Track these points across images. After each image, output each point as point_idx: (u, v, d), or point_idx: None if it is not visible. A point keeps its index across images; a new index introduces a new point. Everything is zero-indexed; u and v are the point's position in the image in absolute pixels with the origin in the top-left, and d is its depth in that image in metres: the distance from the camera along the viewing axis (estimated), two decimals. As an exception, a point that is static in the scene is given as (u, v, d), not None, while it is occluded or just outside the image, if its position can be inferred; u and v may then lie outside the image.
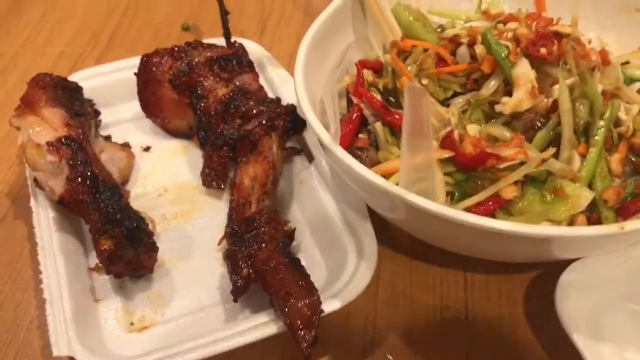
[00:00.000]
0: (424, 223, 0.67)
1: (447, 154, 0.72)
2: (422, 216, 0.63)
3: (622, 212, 0.71)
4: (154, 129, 0.91)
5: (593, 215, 0.72)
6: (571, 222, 0.71)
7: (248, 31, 1.11)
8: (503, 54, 0.76)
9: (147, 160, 0.88)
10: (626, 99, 0.79)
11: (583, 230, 0.60)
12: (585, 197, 0.70)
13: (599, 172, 0.73)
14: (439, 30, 0.91)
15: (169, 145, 0.90)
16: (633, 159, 0.76)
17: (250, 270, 0.69)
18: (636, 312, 0.69)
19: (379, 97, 0.81)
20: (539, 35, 0.76)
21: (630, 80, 0.82)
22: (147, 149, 0.90)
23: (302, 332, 0.62)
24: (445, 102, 0.81)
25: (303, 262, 0.71)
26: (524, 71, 0.75)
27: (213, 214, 0.81)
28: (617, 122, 0.77)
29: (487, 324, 0.74)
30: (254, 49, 0.95)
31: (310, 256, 0.76)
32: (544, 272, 0.77)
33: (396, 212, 0.69)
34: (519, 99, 0.74)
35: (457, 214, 0.60)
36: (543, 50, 0.75)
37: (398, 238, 0.80)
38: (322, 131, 0.67)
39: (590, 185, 0.73)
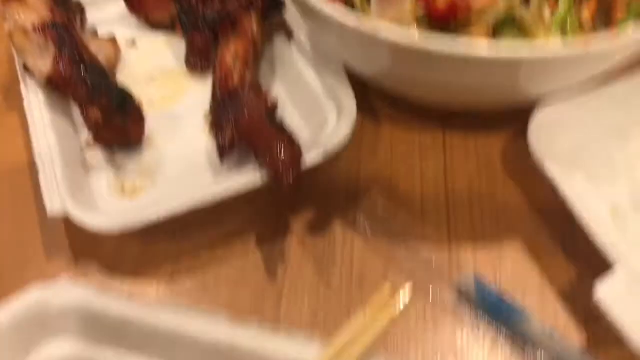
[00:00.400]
0: (397, 61, 0.69)
1: (421, 9, 0.74)
2: (392, 52, 0.65)
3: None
4: (139, 24, 0.93)
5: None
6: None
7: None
8: None
9: (134, 53, 0.90)
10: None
11: (546, 50, 0.62)
12: (554, 42, 0.71)
13: (570, 24, 0.75)
14: None
15: (154, 38, 0.92)
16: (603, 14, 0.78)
17: (235, 132, 0.72)
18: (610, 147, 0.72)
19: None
20: None
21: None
22: (133, 42, 0.92)
23: (283, 174, 0.65)
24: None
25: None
26: None
27: (200, 96, 0.83)
28: (589, -20, 0.79)
29: (466, 177, 0.76)
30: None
31: (293, 124, 0.78)
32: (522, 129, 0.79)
33: (368, 57, 0.71)
34: (490, -42, 0.75)
35: (422, 41, 0.62)
36: None
37: (378, 107, 0.83)
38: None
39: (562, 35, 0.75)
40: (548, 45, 0.68)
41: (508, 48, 0.63)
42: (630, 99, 0.73)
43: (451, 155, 0.78)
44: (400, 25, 0.67)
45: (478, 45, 0.63)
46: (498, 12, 0.70)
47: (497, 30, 0.73)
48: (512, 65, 0.62)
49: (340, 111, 0.74)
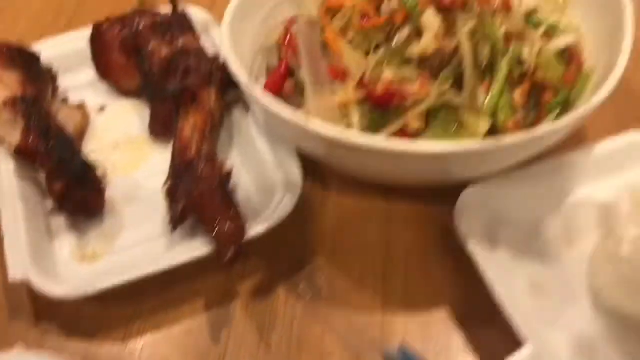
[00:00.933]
0: (329, 150, 0.75)
1: (360, 93, 0.80)
2: (326, 144, 0.72)
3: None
4: (109, 90, 1.00)
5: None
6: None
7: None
8: (413, 5, 0.84)
9: (102, 119, 0.97)
10: (530, 40, 0.87)
11: (460, 145, 0.68)
12: (483, 125, 0.78)
13: (502, 105, 0.81)
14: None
15: (123, 104, 0.98)
16: (536, 94, 0.85)
17: (186, 205, 0.78)
18: (526, 229, 0.78)
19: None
20: (444, -14, 0.84)
21: (536, 23, 0.90)
22: (102, 109, 0.98)
23: (225, 249, 0.71)
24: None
25: (239, 199, 0.80)
26: (430, 19, 0.83)
27: (161, 162, 0.88)
28: (522, 63, 0.86)
29: (404, 247, 0.82)
30: (199, 14, 1.03)
31: (245, 194, 0.84)
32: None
33: (305, 144, 0.78)
34: (425, 43, 0.82)
35: (350, 136, 0.68)
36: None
37: (327, 177, 0.89)
38: (241, 73, 0.76)
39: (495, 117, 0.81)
40: (455, 143, 0.73)
41: (422, 144, 0.68)
42: (552, 179, 0.79)
43: (392, 226, 0.84)
44: (332, 116, 0.73)
45: (396, 141, 0.68)
46: (430, 101, 0.76)
47: (432, 114, 0.79)
48: (426, 158, 0.69)
49: (287, 184, 0.80)
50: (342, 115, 0.81)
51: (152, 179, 0.87)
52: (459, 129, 0.78)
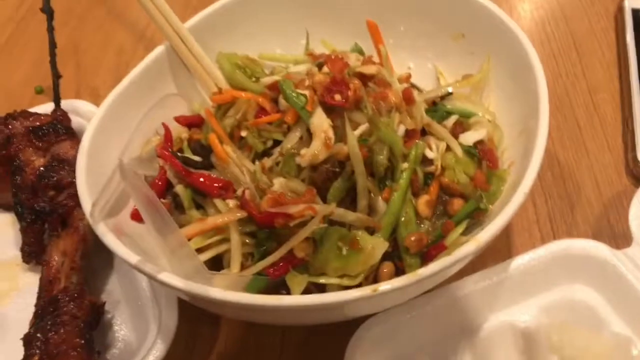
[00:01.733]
0: (194, 300, 0.64)
1: (240, 214, 0.70)
2: (183, 294, 0.61)
3: (427, 257, 0.69)
4: (-14, 202, 0.90)
5: (401, 262, 0.70)
6: (376, 274, 0.69)
7: (102, 87, 1.09)
8: (301, 104, 0.74)
9: (-24, 236, 0.86)
10: (436, 135, 0.77)
11: (326, 297, 0.57)
12: (379, 247, 0.67)
13: (404, 218, 0.71)
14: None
15: (0, 220, 0.88)
16: (445, 198, 0.75)
17: (43, 356, 0.67)
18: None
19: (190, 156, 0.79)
20: (333, 81, 0.74)
21: (446, 114, 0.80)
22: (-24, 226, 0.88)
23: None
24: (269, 152, 0.79)
25: (114, 334, 0.73)
26: (319, 121, 0.73)
27: (32, 293, 0.78)
28: (428, 162, 0.75)
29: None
30: (88, 112, 0.93)
31: (120, 327, 0.74)
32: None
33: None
34: (314, 151, 0.71)
35: (206, 290, 0.58)
36: (338, 97, 0.73)
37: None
38: (86, 206, 0.65)
39: (395, 231, 0.71)
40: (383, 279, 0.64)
41: (283, 298, 0.58)
42: (461, 304, 0.69)
43: (287, 356, 0.74)
44: (187, 263, 0.62)
45: (256, 297, 0.58)
46: (316, 223, 0.66)
47: (321, 233, 0.68)
48: (295, 311, 0.58)
49: (160, 324, 0.70)
50: (219, 240, 0.71)
51: (21, 314, 0.77)
52: (351, 253, 0.67)
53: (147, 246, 0.68)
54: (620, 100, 0.97)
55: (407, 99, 0.76)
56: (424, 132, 0.77)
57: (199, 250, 0.69)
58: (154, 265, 0.60)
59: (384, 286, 0.56)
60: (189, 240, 0.70)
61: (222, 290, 0.58)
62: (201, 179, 0.74)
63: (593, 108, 0.97)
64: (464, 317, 0.69)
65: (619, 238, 0.81)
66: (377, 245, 0.67)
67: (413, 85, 0.86)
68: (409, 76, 0.84)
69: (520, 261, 0.71)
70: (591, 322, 0.68)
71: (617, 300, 0.69)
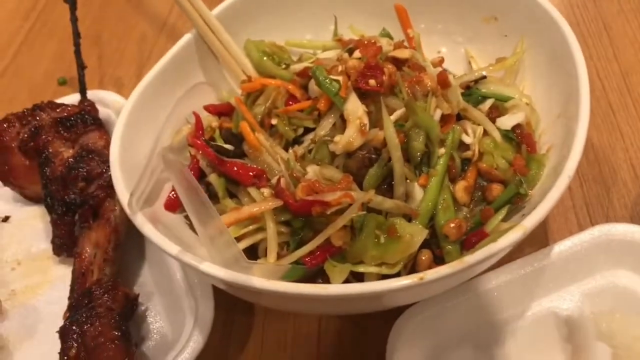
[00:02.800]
0: (233, 289, 0.64)
1: (275, 203, 0.69)
2: (224, 284, 0.60)
3: (466, 245, 0.68)
4: (14, 196, 0.89)
5: (439, 249, 0.69)
6: (414, 262, 0.68)
7: (125, 77, 1.08)
8: (334, 90, 0.73)
9: (6, 231, 0.86)
10: (473, 120, 0.76)
11: (372, 285, 0.56)
12: (418, 235, 0.66)
13: (442, 204, 0.70)
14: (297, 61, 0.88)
15: (29, 212, 0.88)
16: (483, 183, 0.73)
17: (81, 349, 0.67)
18: (477, 348, 0.66)
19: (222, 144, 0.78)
20: (367, 67, 0.73)
21: (481, 99, 0.79)
22: (5, 219, 0.87)
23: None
24: (299, 140, 0.77)
25: (149, 326, 0.72)
26: (353, 107, 0.72)
27: (64, 285, 0.78)
28: (465, 147, 0.74)
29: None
30: (113, 102, 0.92)
31: (155, 319, 0.74)
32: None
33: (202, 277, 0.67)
34: (349, 138, 0.70)
35: (249, 279, 0.57)
36: (372, 82, 0.72)
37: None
38: (123, 197, 0.64)
39: (433, 218, 0.70)
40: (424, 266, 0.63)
41: (328, 287, 0.56)
42: (503, 292, 0.68)
43: (325, 344, 0.73)
44: (227, 252, 0.61)
45: (296, 286, 0.57)
46: (353, 211, 0.64)
47: (359, 221, 0.67)
48: (335, 300, 0.57)
49: (196, 316, 0.69)
50: (254, 229, 0.70)
51: (54, 307, 0.77)
52: (389, 241, 0.66)
53: (182, 235, 0.68)
54: (654, 82, 0.95)
55: (443, 82, 0.74)
56: (459, 117, 0.76)
57: (235, 240, 0.68)
58: (193, 255, 0.59)
59: (431, 274, 0.55)
60: (226, 229, 0.69)
61: (265, 279, 0.56)
62: (235, 168, 0.73)
63: (627, 90, 0.95)
64: (505, 305, 0.68)
65: (659, 222, 0.79)
66: (415, 233, 0.66)
67: (445, 70, 0.84)
68: (441, 60, 0.83)
69: (561, 247, 0.69)
70: (637, 307, 0.67)
71: (662, 286, 0.67)
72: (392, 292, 0.55)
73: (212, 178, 0.74)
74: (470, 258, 0.56)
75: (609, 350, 0.60)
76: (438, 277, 0.55)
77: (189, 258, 0.58)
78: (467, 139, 0.73)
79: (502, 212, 0.68)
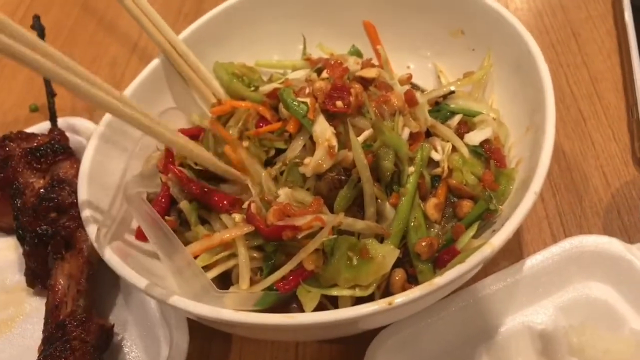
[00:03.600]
0: (204, 321, 0.63)
1: (247, 229, 0.69)
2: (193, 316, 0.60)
3: (438, 263, 0.68)
4: (-11, 227, 0.88)
5: (412, 268, 0.69)
6: (387, 282, 0.68)
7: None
8: (302, 112, 0.73)
9: (-24, 264, 0.85)
10: (441, 136, 0.76)
11: (340, 313, 0.56)
12: (390, 255, 0.66)
13: (413, 223, 0.70)
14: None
15: (1, 243, 0.87)
16: (454, 200, 0.73)
17: (54, 384, 0.66)
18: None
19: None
20: (334, 88, 0.73)
21: (450, 114, 0.79)
22: (-22, 251, 0.87)
23: None
24: (271, 162, 0.77)
25: (125, 356, 0.72)
26: (321, 129, 0.72)
27: (39, 318, 0.77)
28: (435, 164, 0.74)
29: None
30: (85, 129, 0.92)
31: (131, 349, 0.74)
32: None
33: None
34: (318, 160, 0.70)
35: (216, 312, 0.56)
36: (339, 104, 0.72)
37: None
38: (91, 231, 0.64)
39: (405, 237, 0.70)
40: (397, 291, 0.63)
41: (296, 316, 0.56)
42: (477, 307, 0.68)
43: (302, 372, 0.72)
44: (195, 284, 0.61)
45: (266, 317, 0.56)
46: (324, 234, 0.64)
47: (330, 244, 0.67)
48: (307, 329, 0.57)
49: (171, 344, 0.69)
50: (226, 255, 0.70)
51: (27, 340, 0.77)
52: (362, 262, 0.66)
53: (153, 266, 0.67)
54: (623, 88, 0.96)
55: (410, 100, 0.74)
56: (429, 134, 0.76)
57: (207, 268, 0.68)
58: (162, 287, 0.59)
59: (400, 298, 0.55)
60: (196, 257, 0.69)
61: (233, 311, 0.56)
62: (211, 195, 0.73)
63: (596, 97, 0.95)
64: (480, 321, 0.68)
65: (631, 230, 0.79)
66: (387, 254, 0.66)
67: (414, 86, 0.84)
68: (409, 77, 0.83)
69: (533, 261, 0.70)
70: (609, 319, 0.67)
71: (634, 296, 0.67)
72: (359, 318, 0.55)
73: (184, 205, 0.74)
74: (439, 280, 0.56)
75: (581, 365, 0.61)
76: (407, 301, 0.55)
77: (157, 292, 0.58)
78: (436, 156, 0.74)
79: (473, 229, 0.69)
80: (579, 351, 0.59)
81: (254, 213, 0.69)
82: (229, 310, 0.56)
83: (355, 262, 0.66)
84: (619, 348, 0.57)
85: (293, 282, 0.66)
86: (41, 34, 0.94)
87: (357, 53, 0.92)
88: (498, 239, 0.59)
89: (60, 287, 0.75)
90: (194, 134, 0.83)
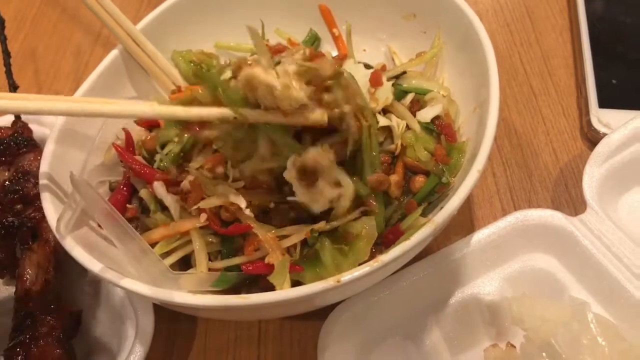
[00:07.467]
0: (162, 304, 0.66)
1: (199, 223, 0.70)
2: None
3: (385, 242, 0.70)
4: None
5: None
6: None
7: (63, 91, 1.09)
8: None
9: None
10: (397, 114, 0.78)
11: (291, 292, 0.58)
12: (370, 221, 0.67)
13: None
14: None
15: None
16: (410, 175, 0.75)
17: (23, 370, 0.69)
18: (406, 338, 0.70)
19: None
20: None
21: (403, 94, 0.81)
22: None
23: None
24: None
25: (94, 340, 0.75)
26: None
27: (9, 308, 0.79)
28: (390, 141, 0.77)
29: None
30: (50, 120, 0.93)
31: (100, 333, 0.76)
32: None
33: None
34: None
35: (169, 294, 0.59)
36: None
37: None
38: (52, 221, 0.66)
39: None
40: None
41: (251, 297, 0.58)
42: (429, 280, 0.71)
43: (265, 347, 0.76)
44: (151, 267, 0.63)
45: (219, 298, 0.59)
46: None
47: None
48: (262, 308, 0.60)
49: (137, 327, 0.72)
50: (185, 241, 0.72)
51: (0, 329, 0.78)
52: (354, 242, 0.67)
53: (115, 254, 0.70)
54: (573, 65, 0.99)
55: (376, 81, 0.76)
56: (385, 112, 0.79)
57: (166, 253, 0.70)
58: (121, 273, 0.62)
59: (347, 276, 0.58)
60: (156, 243, 0.71)
61: (186, 293, 0.59)
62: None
63: (548, 74, 0.98)
64: (431, 295, 0.71)
65: (577, 202, 0.83)
66: (366, 222, 0.67)
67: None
68: (384, 67, 0.86)
69: (481, 235, 0.73)
70: (552, 289, 0.71)
71: (574, 266, 0.71)
72: (310, 296, 0.58)
73: (143, 193, 0.76)
74: (384, 257, 0.59)
75: (522, 333, 0.64)
76: (354, 278, 0.58)
77: (111, 276, 0.60)
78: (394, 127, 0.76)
79: (422, 207, 0.71)
80: (520, 321, 0.63)
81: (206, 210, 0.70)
82: (183, 293, 0.59)
83: (346, 248, 0.67)
84: (555, 316, 0.61)
85: (261, 269, 0.68)
86: (1, 26, 0.95)
87: (315, 37, 0.94)
88: (441, 217, 0.62)
89: (28, 276, 0.77)
90: (154, 122, 0.85)
